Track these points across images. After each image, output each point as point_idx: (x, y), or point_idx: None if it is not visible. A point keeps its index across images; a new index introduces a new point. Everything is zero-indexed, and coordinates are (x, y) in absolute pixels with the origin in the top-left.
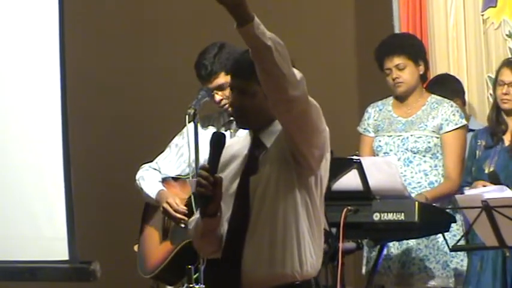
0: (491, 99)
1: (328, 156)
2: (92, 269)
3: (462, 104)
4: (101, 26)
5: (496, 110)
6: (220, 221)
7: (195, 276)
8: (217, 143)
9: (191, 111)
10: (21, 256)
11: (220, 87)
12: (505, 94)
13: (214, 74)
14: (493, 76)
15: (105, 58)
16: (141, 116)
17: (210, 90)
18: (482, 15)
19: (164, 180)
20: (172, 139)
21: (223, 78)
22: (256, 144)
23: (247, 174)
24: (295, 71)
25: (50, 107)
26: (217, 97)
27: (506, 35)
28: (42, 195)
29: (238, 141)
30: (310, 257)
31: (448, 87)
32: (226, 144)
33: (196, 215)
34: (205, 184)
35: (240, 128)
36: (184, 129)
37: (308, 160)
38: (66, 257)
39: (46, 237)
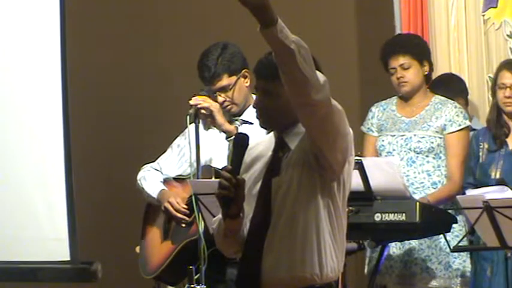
0: (492, 100)
1: (351, 159)
2: (93, 269)
3: (465, 103)
4: (101, 26)
5: (497, 112)
6: (243, 222)
7: (196, 276)
8: (241, 144)
9: (192, 111)
10: (23, 257)
11: (223, 89)
12: (508, 97)
13: (218, 77)
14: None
15: (106, 57)
16: (143, 116)
17: (212, 90)
18: (483, 15)
19: (165, 181)
20: (174, 139)
21: (226, 80)
22: (280, 146)
23: (269, 176)
24: (319, 74)
25: (51, 107)
26: (220, 99)
27: (507, 35)
28: (44, 196)
29: (262, 142)
30: (331, 260)
31: (451, 86)
32: (251, 145)
33: (219, 215)
34: (228, 186)
35: (264, 129)
36: (187, 130)
37: (331, 163)
38: (67, 258)
39: (47, 238)
